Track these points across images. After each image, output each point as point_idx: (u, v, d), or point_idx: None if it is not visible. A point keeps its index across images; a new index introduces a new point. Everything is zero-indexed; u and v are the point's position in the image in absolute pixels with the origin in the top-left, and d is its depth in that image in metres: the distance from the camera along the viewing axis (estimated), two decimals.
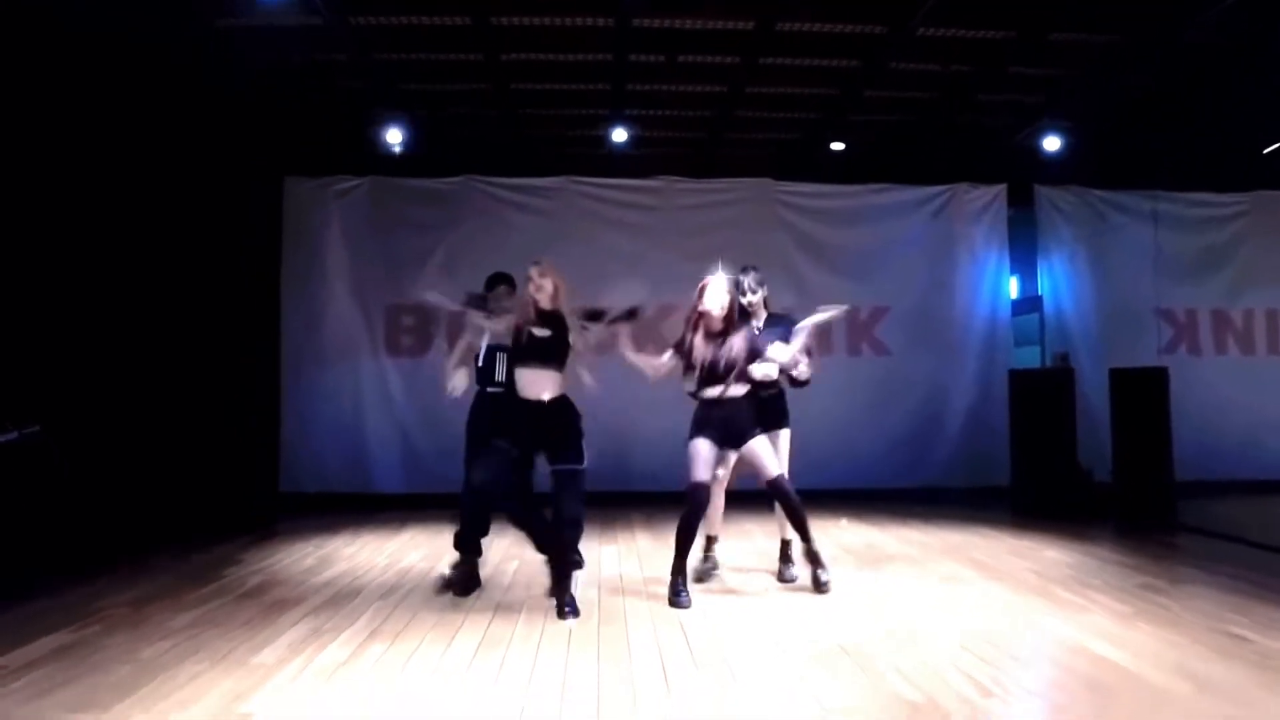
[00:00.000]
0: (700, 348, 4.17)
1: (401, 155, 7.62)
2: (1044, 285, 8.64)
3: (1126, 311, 8.33)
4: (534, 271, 4.05)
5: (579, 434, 4.02)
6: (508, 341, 4.15)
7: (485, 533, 4.49)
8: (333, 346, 7.93)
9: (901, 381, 8.27)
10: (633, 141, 7.25)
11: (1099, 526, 6.44)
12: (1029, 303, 8.77)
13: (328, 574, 4.75)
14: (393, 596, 4.26)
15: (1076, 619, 3.74)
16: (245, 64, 6.00)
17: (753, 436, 4.21)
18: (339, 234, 8.02)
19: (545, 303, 4.01)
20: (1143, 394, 7.04)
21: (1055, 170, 8.33)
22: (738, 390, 4.20)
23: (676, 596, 4.09)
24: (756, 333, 4.42)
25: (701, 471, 4.17)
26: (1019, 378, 7.56)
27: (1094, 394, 7.66)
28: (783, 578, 4.61)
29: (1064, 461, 7.09)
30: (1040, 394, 7.29)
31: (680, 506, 4.18)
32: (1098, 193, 8.53)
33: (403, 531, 6.16)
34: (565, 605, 3.89)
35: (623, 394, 8.14)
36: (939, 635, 3.55)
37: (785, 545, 4.70)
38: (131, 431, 6.87)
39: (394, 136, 6.75)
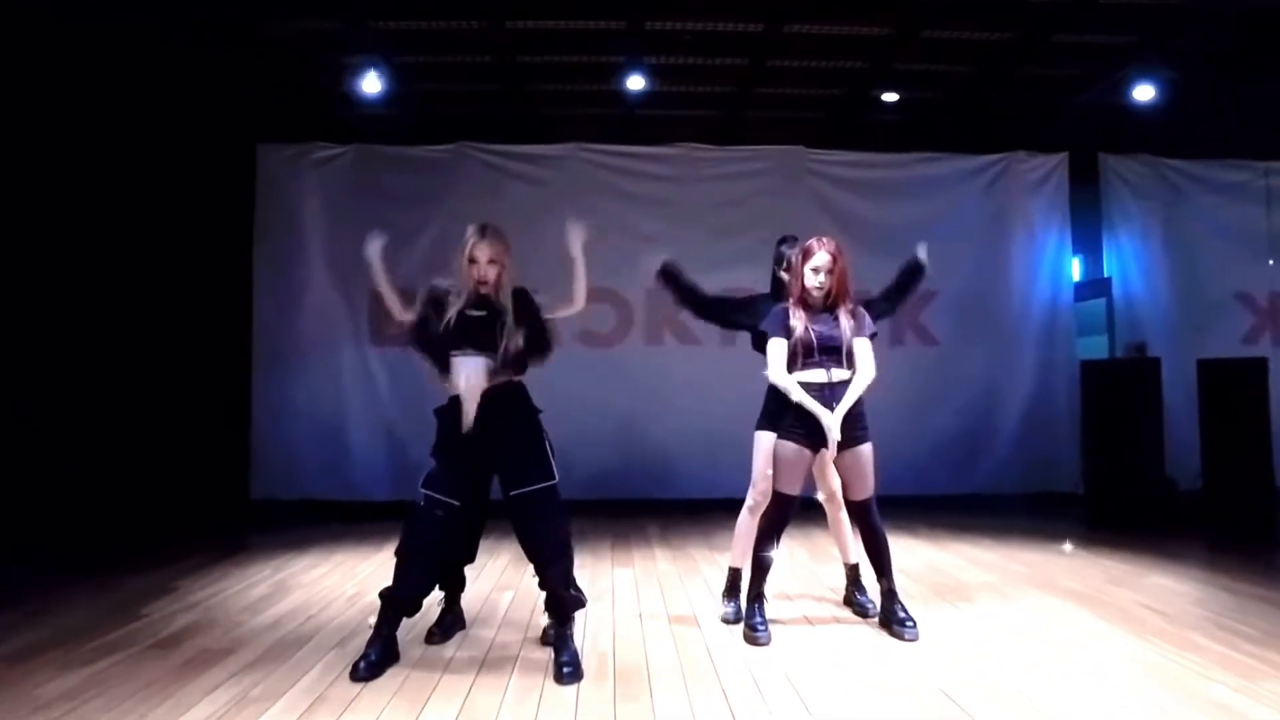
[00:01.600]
0: (800, 324, 3.37)
1: (388, 119, 6.76)
2: (1111, 266, 7.68)
3: (1206, 296, 7.37)
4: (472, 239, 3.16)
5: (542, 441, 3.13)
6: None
7: (470, 559, 3.57)
8: (310, 335, 7.09)
9: (951, 375, 7.36)
10: (650, 99, 6.31)
11: (1191, 543, 5.52)
12: (1093, 286, 7.82)
13: (278, 608, 3.86)
14: (353, 643, 3.35)
15: (1253, 689, 2.80)
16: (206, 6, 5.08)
17: (859, 443, 3.40)
18: (318, 208, 7.18)
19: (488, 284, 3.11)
20: (1237, 389, 6.11)
21: (1124, 137, 7.39)
22: (843, 376, 3.39)
23: (754, 631, 3.35)
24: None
25: (789, 481, 3.38)
26: (1093, 370, 6.60)
27: (1172, 388, 6.71)
28: (857, 607, 3.77)
29: (1148, 467, 6.14)
30: (1118, 389, 6.34)
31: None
32: (1172, 162, 7.57)
33: (383, 548, 5.21)
34: (564, 666, 2.96)
35: (630, 389, 7.41)
36: (1070, 707, 2.63)
37: (854, 570, 3.86)
38: (82, 432, 6.04)
39: (371, 85, 5.81)
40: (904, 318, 7.38)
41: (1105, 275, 7.69)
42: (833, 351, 3.38)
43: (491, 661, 3.16)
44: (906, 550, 5.16)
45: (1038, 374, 7.50)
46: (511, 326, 3.06)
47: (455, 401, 3.13)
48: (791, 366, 3.41)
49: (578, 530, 5.49)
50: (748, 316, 3.76)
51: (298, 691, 2.81)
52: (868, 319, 3.50)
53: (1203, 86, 6.05)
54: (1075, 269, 7.79)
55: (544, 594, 3.14)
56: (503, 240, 3.17)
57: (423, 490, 3.09)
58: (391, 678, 2.96)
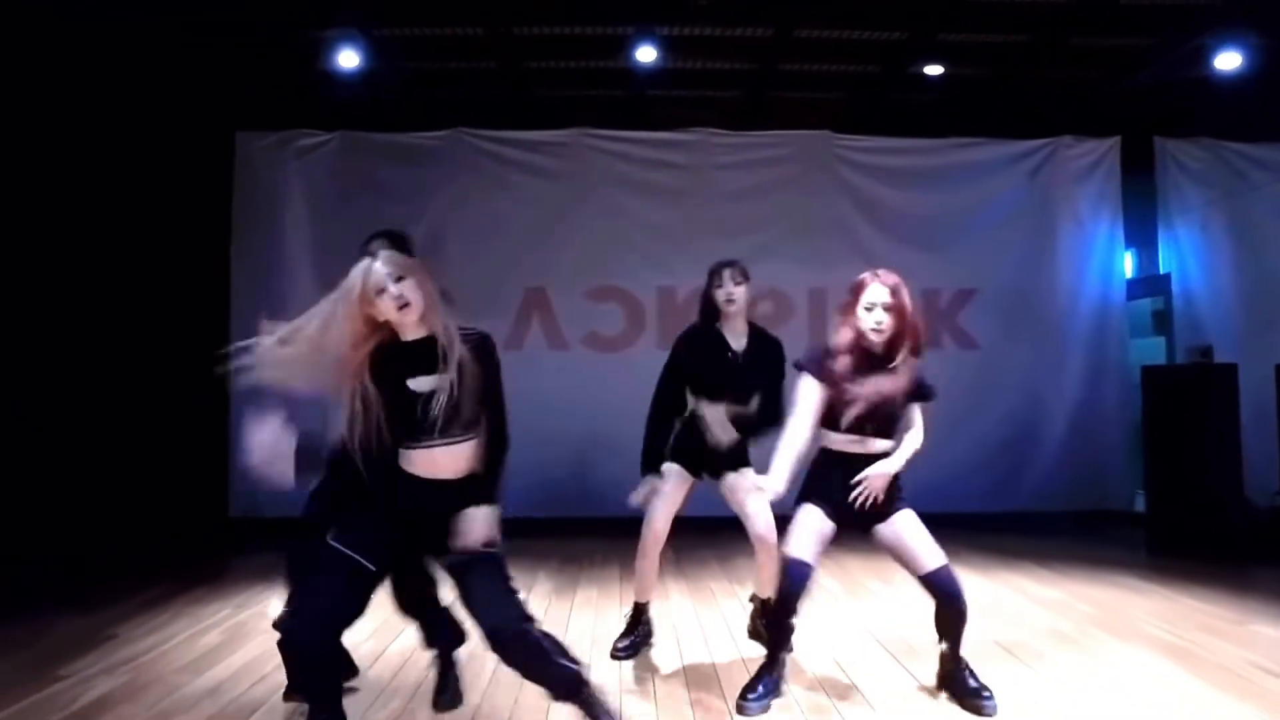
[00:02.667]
0: (850, 376, 2.74)
1: (376, 103, 6.20)
2: (1168, 261, 7.01)
3: (1278, 293, 6.68)
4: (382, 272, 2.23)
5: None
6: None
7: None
8: None
9: (991, 381, 6.74)
10: (662, 77, 5.72)
11: (1275, 574, 4.85)
12: (1147, 284, 7.16)
13: (225, 665, 3.27)
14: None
15: None
16: None
17: (897, 511, 2.84)
18: (301, 201, 6.65)
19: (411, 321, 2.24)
20: None
21: (1182, 120, 6.73)
22: (882, 446, 2.81)
23: (743, 699, 2.78)
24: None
25: (802, 546, 2.80)
26: (1155, 377, 5.95)
27: (1243, 397, 6.05)
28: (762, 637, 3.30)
29: (1224, 485, 5.48)
30: (1185, 398, 5.69)
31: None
32: (1236, 146, 6.89)
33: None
34: None
35: (642, 395, 6.79)
36: None
37: (763, 603, 3.35)
38: (44, 445, 5.50)
39: (348, 60, 5.23)
40: (940, 319, 6.76)
41: (1162, 271, 7.02)
42: (880, 418, 2.77)
43: None
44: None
45: (1087, 380, 6.88)
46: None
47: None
48: (824, 424, 2.80)
49: (588, 552, 4.94)
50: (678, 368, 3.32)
51: None
52: (925, 381, 2.87)
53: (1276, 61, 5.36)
54: (1128, 264, 7.12)
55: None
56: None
57: None
58: None
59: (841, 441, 2.81)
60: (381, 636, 3.57)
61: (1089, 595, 4.39)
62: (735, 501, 3.30)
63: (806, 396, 2.78)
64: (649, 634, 3.52)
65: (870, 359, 2.76)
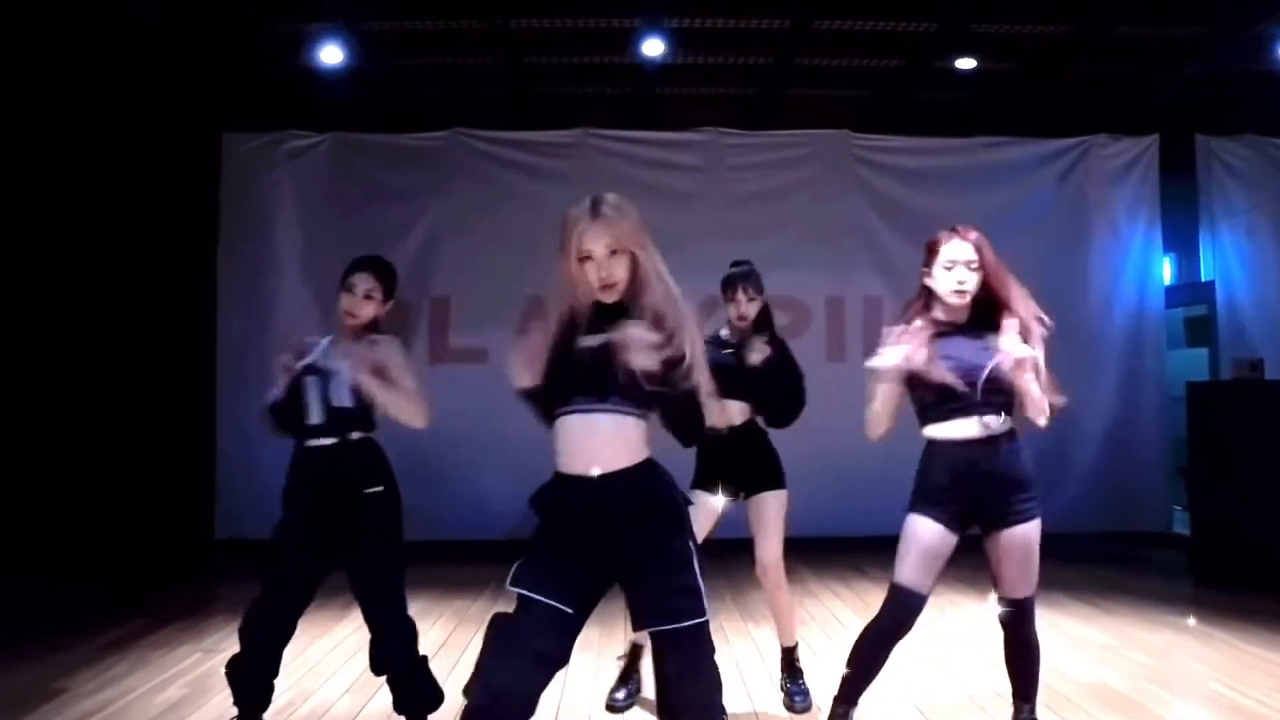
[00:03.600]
0: (933, 353, 2.34)
1: (369, 101, 5.88)
2: (1211, 268, 6.61)
3: None
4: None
5: (690, 549, 1.84)
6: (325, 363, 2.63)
7: (276, 673, 2.67)
8: (282, 350, 6.20)
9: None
10: (671, 73, 5.37)
11: None
12: (1188, 291, 6.77)
13: None
14: None
15: None
16: None
17: (1027, 518, 2.41)
18: (291, 204, 6.37)
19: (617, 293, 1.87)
20: None
21: (1226, 116, 6.32)
22: (1000, 424, 2.38)
23: None
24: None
25: (916, 573, 2.39)
26: (1201, 393, 5.55)
27: None
28: (787, 697, 3.12)
29: (1277, 512, 5.08)
30: (1234, 415, 5.29)
31: None
32: None
33: (347, 615, 4.29)
34: None
35: None
36: None
37: (789, 653, 3.19)
38: (13, 466, 5.21)
39: (331, 55, 4.91)
40: None
41: (1204, 279, 6.62)
42: (989, 390, 2.34)
43: None
44: (984, 626, 4.14)
45: (1122, 392, 6.51)
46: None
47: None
48: (927, 417, 2.42)
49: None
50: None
51: None
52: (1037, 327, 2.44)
53: None
54: (1166, 271, 6.73)
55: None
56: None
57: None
58: None
59: (951, 429, 2.38)
60: (360, 692, 3.24)
61: (1137, 639, 4.01)
62: (755, 522, 3.13)
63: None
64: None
65: (950, 331, 2.40)
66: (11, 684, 3.30)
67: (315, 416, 2.62)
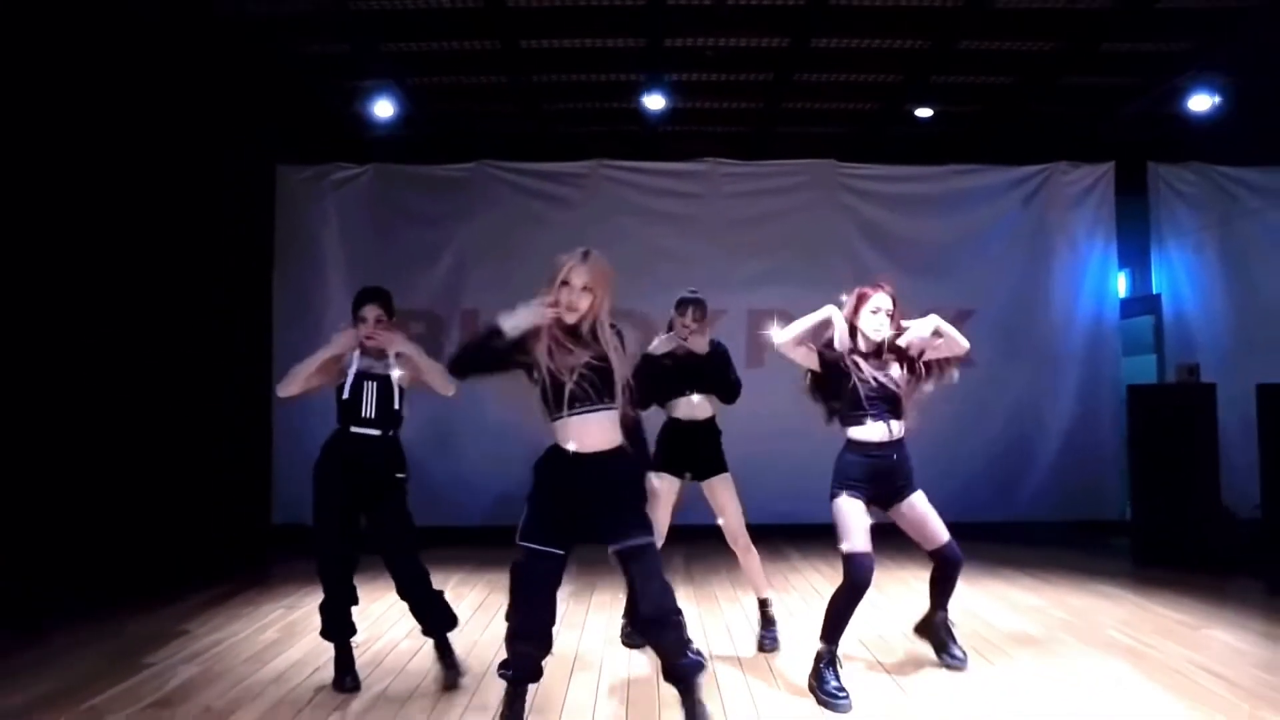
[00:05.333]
0: (861, 372, 3.23)
1: (406, 139, 6.66)
2: (1160, 283, 7.31)
3: (1267, 314, 6.96)
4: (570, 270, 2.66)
5: (641, 493, 2.80)
6: (378, 369, 3.40)
7: (356, 603, 3.47)
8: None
9: (989, 397, 7.04)
10: (673, 115, 6.14)
11: (1248, 585, 5.17)
12: (1141, 303, 7.46)
13: (285, 657, 3.74)
14: (362, 696, 3.24)
15: None
16: (211, 22, 5.01)
17: (912, 492, 3.34)
18: (337, 229, 7.12)
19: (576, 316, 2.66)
20: None
21: (1173, 146, 7.02)
22: (899, 430, 3.27)
23: (831, 696, 3.14)
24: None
25: (860, 538, 3.21)
26: (1141, 395, 6.26)
27: (1229, 414, 6.33)
28: (763, 646, 3.87)
29: (1202, 499, 5.79)
30: (1169, 415, 5.99)
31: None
32: (1228, 170, 7.17)
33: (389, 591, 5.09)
34: None
35: (657, 413, 7.17)
36: None
37: (763, 605, 3.96)
38: (99, 461, 6.00)
39: (383, 109, 5.70)
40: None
41: (1154, 291, 7.32)
42: (889, 400, 3.23)
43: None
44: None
45: (1080, 394, 7.18)
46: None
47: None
48: (845, 422, 3.28)
49: (602, 559, 5.34)
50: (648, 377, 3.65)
51: None
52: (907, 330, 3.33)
53: (1265, 90, 5.67)
54: (1121, 285, 7.42)
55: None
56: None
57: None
58: None
59: (864, 432, 3.24)
60: (417, 637, 4.02)
61: (1064, 602, 4.74)
62: (713, 502, 3.88)
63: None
64: None
65: (867, 357, 3.29)
66: (140, 629, 4.11)
67: (369, 411, 3.38)
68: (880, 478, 3.26)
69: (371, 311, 3.44)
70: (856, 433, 3.26)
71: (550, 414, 2.67)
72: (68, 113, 5.48)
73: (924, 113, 6.04)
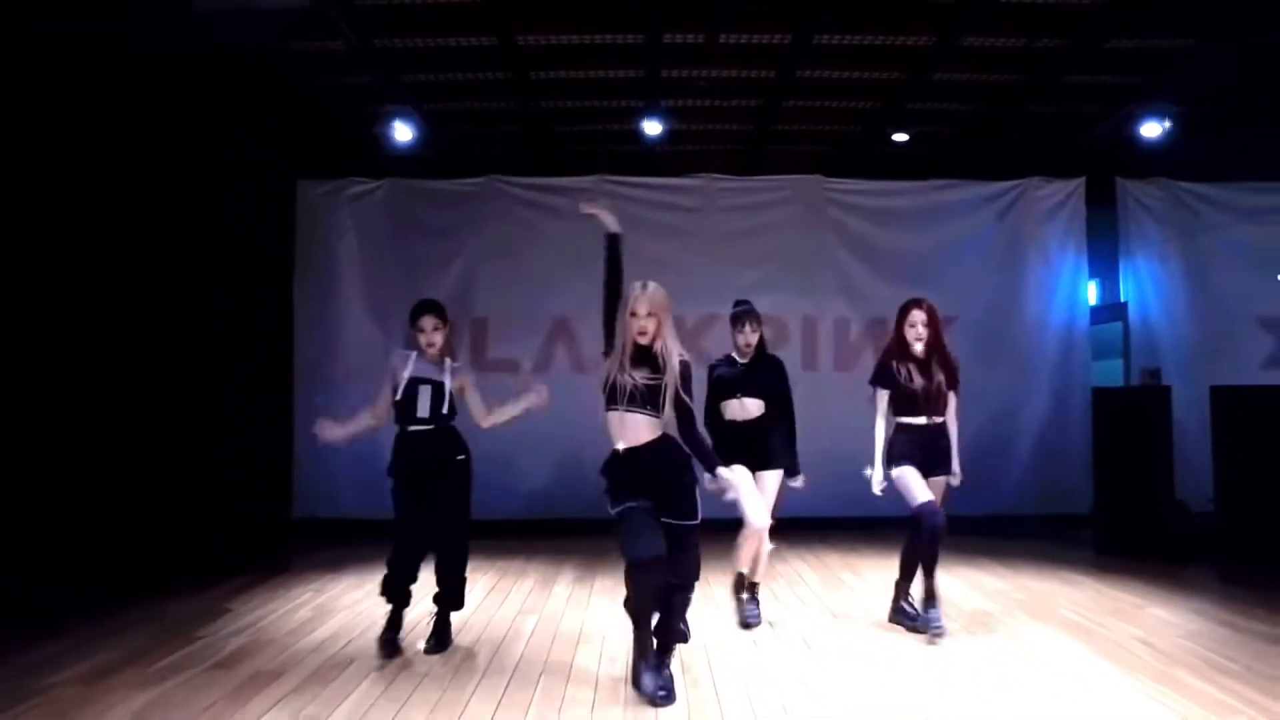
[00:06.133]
0: (908, 374, 4.09)
1: (419, 155, 7.08)
2: (1128, 291, 7.77)
3: (1225, 321, 7.43)
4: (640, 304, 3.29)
5: (693, 481, 3.32)
6: (433, 375, 3.86)
7: (414, 580, 3.94)
8: (347, 362, 7.41)
9: (967, 398, 7.22)
10: (670, 136, 6.57)
11: (1201, 571, 5.64)
12: (1110, 311, 7.91)
13: (321, 631, 4.18)
14: (390, 665, 3.68)
15: None
16: (242, 56, 5.46)
17: (946, 474, 4.17)
18: (354, 240, 7.55)
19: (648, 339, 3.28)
20: (1251, 415, 6.18)
21: (1140, 163, 7.48)
22: (939, 419, 4.15)
23: (913, 621, 4.15)
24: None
25: (922, 493, 4.04)
26: (1104, 397, 6.72)
27: (1187, 413, 6.81)
28: (750, 617, 4.29)
29: (1158, 492, 6.24)
30: (1129, 415, 6.45)
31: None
32: (1190, 186, 7.65)
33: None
34: (659, 689, 3.22)
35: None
36: None
37: (754, 587, 4.42)
38: (128, 457, 6.42)
39: (402, 133, 6.15)
40: None
41: (1122, 300, 7.77)
42: (928, 396, 4.12)
43: (518, 681, 3.45)
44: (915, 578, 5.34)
45: (1053, 398, 7.61)
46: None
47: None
48: (897, 412, 4.09)
49: (602, 550, 5.74)
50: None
51: (343, 713, 3.12)
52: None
53: (1212, 118, 6.15)
54: (1092, 293, 7.87)
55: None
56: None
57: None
58: (424, 698, 3.25)
59: (919, 419, 4.13)
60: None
61: (1025, 585, 5.19)
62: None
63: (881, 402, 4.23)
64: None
65: (914, 361, 4.14)
66: (190, 607, 4.55)
67: (423, 412, 3.83)
68: (923, 450, 4.08)
69: (429, 321, 3.89)
70: (903, 419, 4.12)
71: (606, 404, 3.31)
72: (116, 135, 5.93)
73: (900, 137, 6.49)
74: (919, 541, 4.09)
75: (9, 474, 4.62)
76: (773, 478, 4.21)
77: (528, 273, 7.47)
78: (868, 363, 7.69)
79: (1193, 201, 7.66)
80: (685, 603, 3.32)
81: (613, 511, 3.29)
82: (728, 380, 4.27)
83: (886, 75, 5.93)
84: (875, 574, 5.46)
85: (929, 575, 4.14)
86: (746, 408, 4.20)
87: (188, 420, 6.85)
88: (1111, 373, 7.71)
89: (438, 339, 3.88)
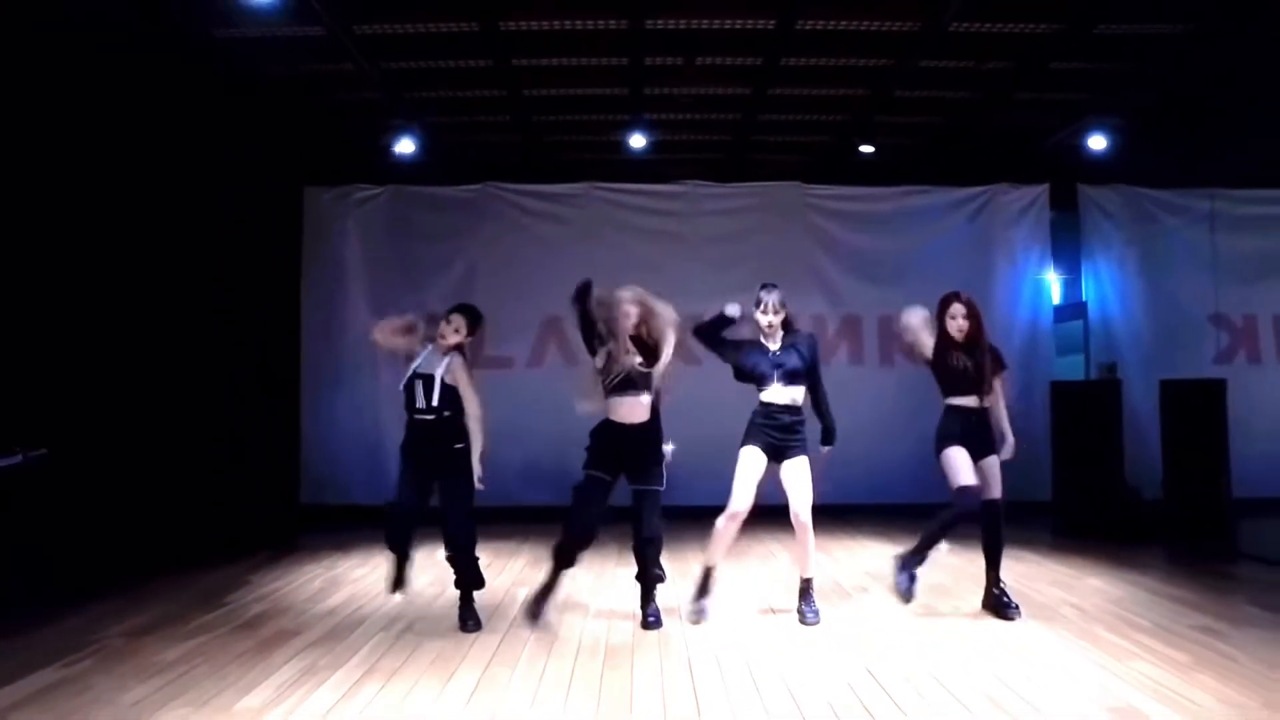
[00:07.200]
0: (954, 358, 4.28)
1: (420, 163, 7.50)
2: (1089, 291, 8.22)
3: (1179, 318, 7.88)
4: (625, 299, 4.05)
5: (661, 457, 4.07)
6: (432, 369, 4.16)
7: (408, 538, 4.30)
8: (352, 357, 7.80)
9: (937, 392, 7.88)
10: (655, 146, 7.03)
11: (1148, 551, 6.07)
12: (1072, 309, 8.35)
13: (332, 600, 4.63)
14: (395, 627, 4.12)
15: (1121, 668, 3.43)
16: (254, 76, 5.91)
17: (991, 454, 4.32)
18: (358, 243, 7.93)
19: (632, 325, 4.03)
20: (1197, 407, 6.63)
21: (1101, 169, 7.92)
22: (985, 403, 4.34)
23: (910, 581, 4.21)
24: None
25: (968, 475, 4.20)
26: (1062, 390, 7.17)
27: (1143, 406, 7.27)
28: (804, 619, 4.21)
29: (1110, 480, 6.70)
30: (1084, 407, 6.91)
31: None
32: (1147, 192, 8.09)
33: (415, 550, 5.98)
34: (648, 616, 4.06)
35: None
36: (964, 682, 3.28)
37: (807, 584, 4.34)
38: (150, 446, 6.83)
39: (405, 146, 6.60)
40: (891, 341, 7.98)
41: (1083, 299, 8.22)
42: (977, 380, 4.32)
43: (510, 641, 3.89)
44: (882, 556, 5.79)
45: (1019, 391, 7.92)
46: None
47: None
48: (946, 394, 4.33)
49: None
50: (734, 352, 4.36)
51: (352, 665, 3.56)
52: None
53: (1157, 127, 6.62)
54: (1055, 293, 8.31)
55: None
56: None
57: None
58: (424, 654, 3.69)
59: (969, 401, 4.33)
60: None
61: (980, 562, 5.59)
62: (787, 481, 4.22)
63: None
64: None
65: (959, 347, 4.33)
66: (214, 579, 5.00)
67: (420, 403, 4.24)
68: (972, 432, 4.26)
69: (455, 320, 4.26)
70: (953, 400, 4.32)
71: (606, 391, 3.98)
72: (129, 146, 6.35)
73: (866, 149, 6.95)
74: (948, 517, 4.23)
75: (61, 466, 4.97)
76: (804, 462, 4.18)
77: (521, 273, 7.86)
78: (843, 358, 8.20)
79: (1150, 206, 8.09)
80: (657, 551, 4.09)
81: (583, 468, 4.01)
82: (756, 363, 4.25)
83: (852, 91, 6.38)
84: (845, 554, 5.90)
85: (993, 564, 4.37)
86: (780, 393, 4.15)
87: (204, 416, 7.25)
88: (1074, 368, 8.15)
89: (449, 334, 4.19)
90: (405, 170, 7.75)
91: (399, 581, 4.22)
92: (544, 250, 7.87)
